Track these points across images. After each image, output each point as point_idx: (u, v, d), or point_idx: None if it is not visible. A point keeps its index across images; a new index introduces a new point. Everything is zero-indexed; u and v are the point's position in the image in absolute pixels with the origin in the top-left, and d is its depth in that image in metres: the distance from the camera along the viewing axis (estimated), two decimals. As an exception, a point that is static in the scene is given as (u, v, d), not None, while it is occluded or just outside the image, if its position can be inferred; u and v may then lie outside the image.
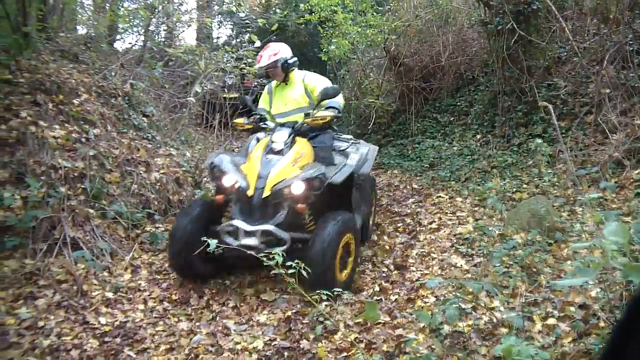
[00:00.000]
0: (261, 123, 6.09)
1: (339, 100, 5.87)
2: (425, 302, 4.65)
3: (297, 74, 6.20)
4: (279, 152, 5.34)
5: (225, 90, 11.80)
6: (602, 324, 3.49)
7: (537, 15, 8.82)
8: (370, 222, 6.83)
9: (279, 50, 6.02)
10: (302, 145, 5.57)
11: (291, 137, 5.52)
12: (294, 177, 5.03)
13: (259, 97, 6.66)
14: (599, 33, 8.69)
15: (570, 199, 6.29)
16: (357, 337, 4.14)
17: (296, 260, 3.62)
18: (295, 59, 6.13)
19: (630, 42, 7.70)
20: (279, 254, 3.54)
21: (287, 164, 5.19)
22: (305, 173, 5.08)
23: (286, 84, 6.17)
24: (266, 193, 4.92)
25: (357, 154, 6.06)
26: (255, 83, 13.55)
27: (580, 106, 7.96)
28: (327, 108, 5.72)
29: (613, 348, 1.11)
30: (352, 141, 6.57)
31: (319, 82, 6.08)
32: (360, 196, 5.97)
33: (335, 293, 4.20)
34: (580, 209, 5.81)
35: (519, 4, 8.58)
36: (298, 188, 4.95)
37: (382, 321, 4.38)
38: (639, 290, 1.15)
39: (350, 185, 5.58)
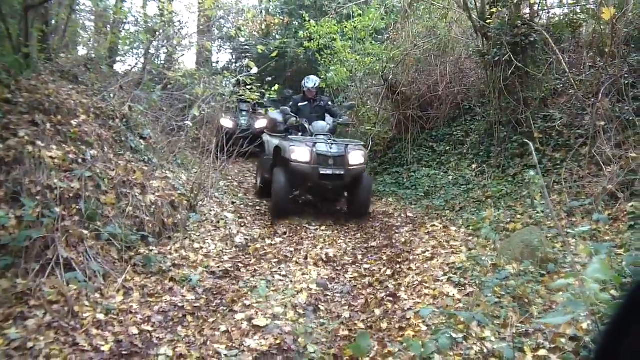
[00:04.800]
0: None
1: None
2: (417, 331, 4.64)
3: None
4: None
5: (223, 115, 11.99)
6: (592, 356, 3.48)
7: (534, 47, 8.92)
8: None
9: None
10: None
11: None
12: None
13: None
14: (595, 66, 8.78)
15: (563, 230, 6.30)
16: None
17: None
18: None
19: (626, 76, 7.78)
20: None
21: None
22: None
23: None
24: None
25: None
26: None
27: (576, 138, 8.01)
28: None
29: (605, 347, 1.12)
30: None
31: None
32: None
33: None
34: (574, 240, 5.82)
35: (516, 36, 8.68)
36: None
37: (374, 351, 4.37)
38: (632, 287, 1.15)
39: None
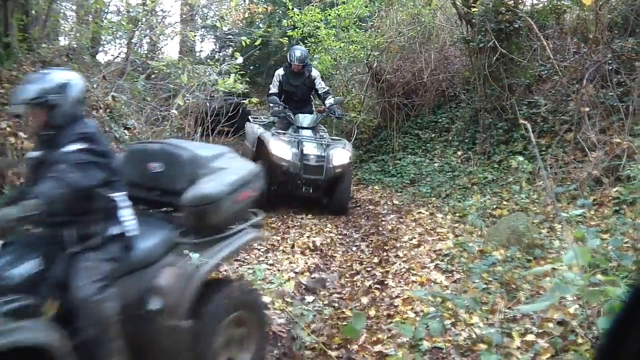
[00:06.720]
0: None
1: None
2: (405, 318, 4.65)
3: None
4: None
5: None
6: (579, 340, 3.51)
7: (519, 34, 8.93)
8: None
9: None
10: None
11: None
12: None
13: None
14: (579, 52, 8.82)
15: (549, 216, 6.33)
16: (337, 354, 4.13)
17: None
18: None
19: (609, 62, 7.81)
20: None
21: None
22: None
23: None
24: None
25: None
26: None
27: (561, 124, 8.04)
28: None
29: (609, 344, 1.11)
30: None
31: None
32: None
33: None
34: (560, 226, 5.84)
35: (500, 22, 8.69)
36: None
37: (363, 336, 4.37)
38: (637, 284, 1.15)
39: None
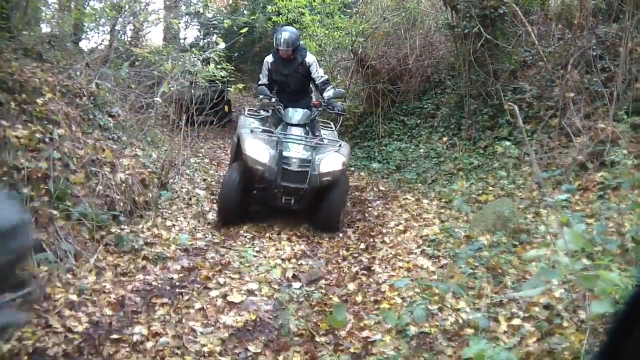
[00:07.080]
0: None
1: None
2: (392, 304, 4.67)
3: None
4: None
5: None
6: (565, 323, 3.54)
7: (504, 20, 8.94)
8: None
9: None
10: None
11: None
12: None
13: None
14: (563, 38, 8.85)
15: (535, 201, 6.36)
16: (325, 340, 4.14)
17: None
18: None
19: (594, 47, 7.83)
20: None
21: None
22: None
23: None
24: None
25: None
26: None
27: (545, 109, 8.07)
28: None
29: (608, 348, 1.11)
30: None
31: None
32: None
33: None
34: (545, 211, 5.87)
35: (485, 8, 8.69)
36: None
37: (350, 324, 4.39)
38: (636, 288, 1.15)
39: None
